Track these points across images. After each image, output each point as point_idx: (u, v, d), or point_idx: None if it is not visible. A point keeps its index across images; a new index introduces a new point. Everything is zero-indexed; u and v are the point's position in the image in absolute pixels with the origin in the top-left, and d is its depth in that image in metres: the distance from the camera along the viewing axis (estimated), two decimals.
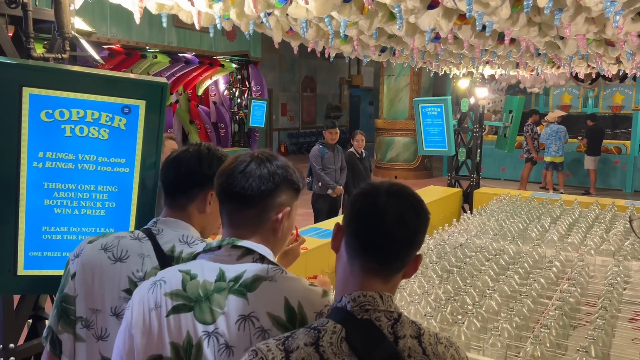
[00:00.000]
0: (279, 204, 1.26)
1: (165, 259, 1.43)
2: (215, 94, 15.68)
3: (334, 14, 2.67)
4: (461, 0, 2.32)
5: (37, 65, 1.81)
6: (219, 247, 1.24)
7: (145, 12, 2.85)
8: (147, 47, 11.71)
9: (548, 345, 2.49)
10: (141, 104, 1.82)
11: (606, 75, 6.87)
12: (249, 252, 1.23)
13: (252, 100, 13.12)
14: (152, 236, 1.48)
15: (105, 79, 1.78)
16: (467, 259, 3.68)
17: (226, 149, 14.88)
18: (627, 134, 12.93)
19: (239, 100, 15.17)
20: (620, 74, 7.23)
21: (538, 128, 11.28)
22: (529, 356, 2.36)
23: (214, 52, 13.31)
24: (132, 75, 1.97)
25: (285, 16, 3.18)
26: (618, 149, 12.41)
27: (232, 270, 1.20)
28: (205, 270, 1.21)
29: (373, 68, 21.01)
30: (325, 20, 2.62)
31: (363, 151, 6.74)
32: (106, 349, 1.43)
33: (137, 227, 1.97)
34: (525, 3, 2.09)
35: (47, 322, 1.90)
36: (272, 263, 1.23)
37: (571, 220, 5.35)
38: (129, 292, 1.40)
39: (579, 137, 11.62)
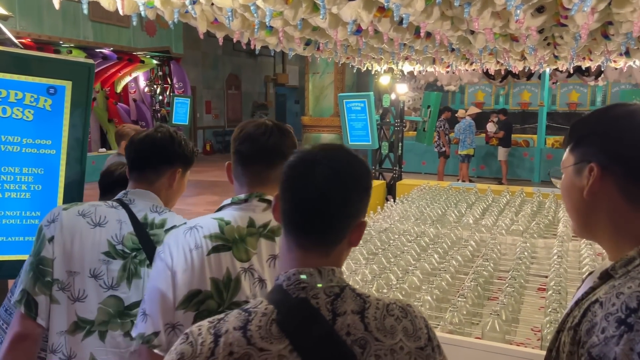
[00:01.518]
0: None
1: (139, 226, 1.55)
2: (135, 91, 15.20)
3: (260, 3, 2.74)
4: None
5: None
6: (246, 200, 1.39)
7: (60, 5, 2.73)
8: (61, 42, 11.17)
9: (465, 313, 2.70)
10: (67, 85, 1.80)
11: (514, 72, 7.40)
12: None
13: (175, 98, 12.84)
14: (125, 205, 1.59)
15: (29, 58, 1.75)
16: (391, 241, 3.87)
17: None
18: (534, 129, 13.93)
19: (160, 97, 14.80)
20: (526, 70, 7.79)
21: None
22: (447, 323, 2.55)
23: (133, 47, 12.91)
24: (55, 55, 1.94)
25: (211, 5, 3.21)
26: (527, 142, 13.35)
27: (260, 218, 1.38)
28: (237, 218, 1.36)
29: (298, 66, 21.18)
30: (252, 8, 2.69)
31: None
32: (83, 310, 1.51)
33: None
34: None
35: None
36: None
37: (485, 206, 5.74)
38: (108, 254, 1.53)
39: (492, 119, 12.40)
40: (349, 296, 0.97)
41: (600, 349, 0.83)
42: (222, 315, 0.96)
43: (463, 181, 11.63)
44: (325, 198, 0.95)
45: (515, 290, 3.00)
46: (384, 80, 7.99)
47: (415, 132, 12.55)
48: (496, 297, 3.22)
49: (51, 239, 1.53)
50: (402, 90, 7.97)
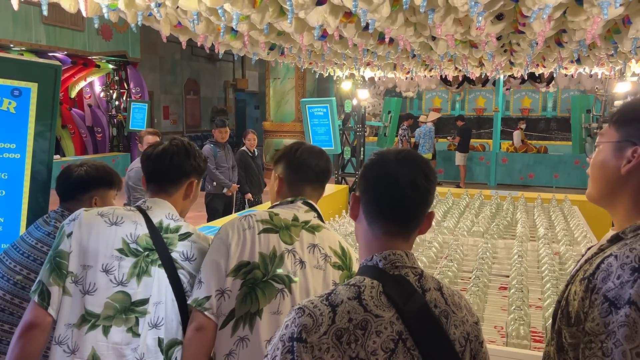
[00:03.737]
0: (326, 184, 1.82)
1: (154, 229, 1.65)
2: (90, 96, 14.76)
3: (227, 6, 2.73)
4: None
5: None
6: (292, 201, 1.70)
7: (9, 6, 2.60)
8: (12, 45, 10.75)
9: None
10: (33, 87, 1.74)
11: (471, 78, 7.62)
12: (312, 209, 1.71)
13: (132, 103, 12.58)
14: (142, 210, 1.69)
15: None
16: (357, 245, 3.90)
17: (104, 154, 14.08)
18: (489, 134, 14.36)
19: (117, 102, 14.44)
20: (483, 77, 8.03)
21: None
22: None
23: (88, 52, 12.55)
24: (21, 57, 1.88)
25: (176, 9, 3.18)
26: (482, 147, 13.73)
27: (302, 216, 1.66)
28: (284, 213, 1.65)
29: (258, 72, 21.10)
30: (219, 11, 2.68)
31: (255, 150, 6.82)
32: (92, 303, 1.57)
33: (30, 216, 1.88)
34: (404, 1, 2.32)
35: None
36: (322, 220, 1.72)
37: (446, 208, 5.88)
38: (122, 251, 1.60)
39: (449, 137, 12.68)
40: (428, 276, 1.15)
41: (616, 292, 0.96)
42: (328, 291, 1.09)
43: None
44: (412, 187, 1.11)
45: (479, 290, 3.08)
46: (346, 86, 8.07)
47: (376, 137, 12.73)
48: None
49: (70, 234, 1.61)
50: (364, 95, 8.06)
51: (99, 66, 13.47)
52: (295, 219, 1.65)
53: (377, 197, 1.14)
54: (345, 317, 1.01)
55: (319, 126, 7.73)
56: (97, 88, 14.71)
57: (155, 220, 1.67)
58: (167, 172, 1.72)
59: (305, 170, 1.73)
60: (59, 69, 1.77)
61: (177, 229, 1.68)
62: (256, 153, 6.81)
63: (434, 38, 3.96)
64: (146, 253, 1.62)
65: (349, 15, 3.09)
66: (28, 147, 1.79)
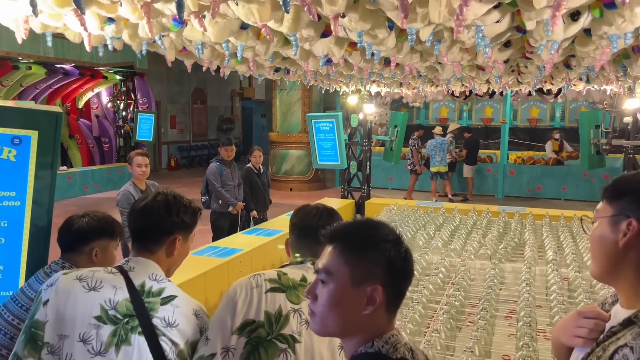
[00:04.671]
0: None
1: (136, 293, 1.56)
2: (97, 107, 14.83)
3: (231, 38, 2.71)
4: (352, 31, 2.48)
5: None
6: (302, 262, 1.73)
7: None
8: (20, 58, 10.83)
9: (439, 348, 2.71)
10: (33, 135, 1.73)
11: (478, 93, 7.57)
12: None
13: (139, 113, 12.60)
14: (124, 272, 1.61)
15: None
16: None
17: (111, 165, 14.11)
18: (497, 144, 14.26)
19: (124, 113, 14.49)
20: (490, 91, 7.98)
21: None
22: None
23: (95, 63, 12.62)
24: (21, 104, 1.86)
25: (180, 37, 3.16)
26: (490, 158, 13.63)
27: (311, 277, 1.58)
28: (292, 273, 1.66)
29: (264, 80, 21.13)
30: (223, 44, 2.66)
31: (261, 167, 6.78)
32: None
33: (30, 264, 1.86)
34: (409, 37, 2.28)
35: None
36: None
37: (453, 227, 5.81)
38: (100, 319, 1.52)
39: (456, 150, 12.56)
40: (415, 348, 1.16)
41: None
42: None
43: (438, 198, 11.73)
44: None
45: (487, 323, 3.03)
46: (352, 101, 8.04)
47: (383, 148, 12.69)
48: (468, 325, 3.25)
49: (46, 302, 1.53)
50: (370, 110, 8.03)
51: (106, 77, 13.53)
52: (304, 279, 1.65)
53: (400, 291, 1.18)
54: None
55: (325, 141, 7.70)
56: (105, 99, 14.79)
57: (137, 283, 1.60)
58: (147, 231, 1.66)
59: (306, 235, 1.76)
60: (59, 116, 1.76)
61: (159, 292, 1.60)
62: (262, 170, 6.78)
63: (440, 62, 3.93)
64: (126, 320, 1.54)
65: (354, 44, 3.06)
66: (28, 195, 1.77)
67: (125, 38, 2.75)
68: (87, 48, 2.58)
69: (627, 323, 1.07)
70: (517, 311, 3.38)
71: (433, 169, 11.65)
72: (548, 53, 2.93)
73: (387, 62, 3.95)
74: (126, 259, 1.67)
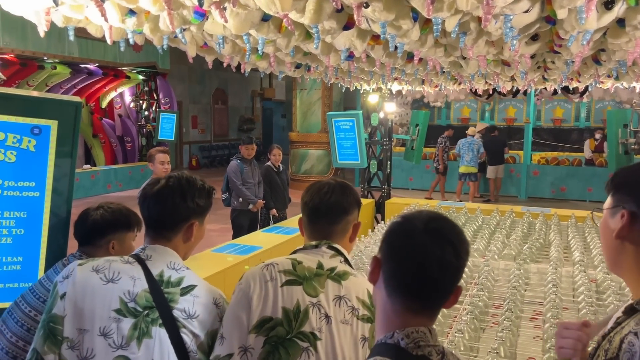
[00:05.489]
0: (352, 219, 1.68)
1: (154, 283, 1.52)
2: (120, 107, 15.01)
3: (252, 31, 2.68)
4: (375, 22, 2.42)
5: None
6: (316, 246, 1.61)
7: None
8: (45, 58, 11.00)
9: (462, 349, 2.63)
10: (53, 124, 1.71)
11: (501, 91, 7.45)
12: (338, 253, 1.61)
13: (161, 113, 12.71)
14: (141, 261, 1.56)
15: (13, 98, 1.65)
16: None
17: (133, 164, 14.26)
18: (520, 145, 14.02)
19: (146, 112, 14.64)
20: (514, 89, 7.84)
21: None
22: None
23: (119, 63, 12.77)
24: (41, 94, 1.85)
25: (201, 31, 3.15)
26: (513, 159, 13.39)
27: (327, 263, 1.57)
28: (307, 260, 1.56)
29: (285, 81, 21.17)
30: (244, 37, 2.62)
31: (280, 165, 6.77)
32: None
33: (49, 254, 1.85)
34: (434, 28, 2.22)
35: None
36: (349, 263, 1.64)
37: (475, 227, 5.70)
38: (119, 312, 1.48)
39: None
40: (449, 352, 1.07)
41: None
42: None
43: (477, 198, 11.52)
44: (440, 267, 1.02)
45: (512, 324, 2.94)
46: (373, 99, 7.97)
47: (403, 148, 12.57)
48: (492, 326, 3.17)
49: (63, 296, 1.49)
50: (390, 108, 7.95)
51: (129, 77, 13.68)
52: (320, 266, 1.56)
53: (399, 270, 1.05)
54: None
55: (346, 140, 7.64)
56: (127, 98, 14.95)
57: (155, 272, 1.55)
58: (163, 218, 1.60)
59: (318, 215, 1.65)
60: (79, 105, 1.74)
61: (179, 282, 1.56)
62: (281, 168, 6.77)
63: (464, 57, 3.84)
64: (146, 312, 1.50)
65: (376, 38, 3.00)
66: (47, 185, 1.76)
67: (147, 32, 2.74)
68: (108, 41, 2.57)
69: (630, 311, 1.07)
70: (542, 313, 3.28)
71: (461, 169, 11.40)
72: (579, 45, 2.84)
73: (409, 57, 3.88)
74: (142, 246, 1.61)
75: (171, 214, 1.58)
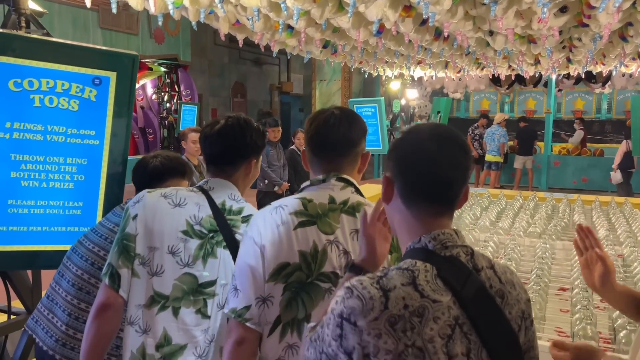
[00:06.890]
0: (360, 150, 1.56)
1: (218, 211, 1.62)
2: (142, 99, 15.23)
3: (289, 1, 2.77)
4: None
5: (4, 33, 1.76)
6: (324, 180, 1.49)
7: (70, 12, 2.76)
8: None
9: None
10: (112, 76, 1.82)
11: (523, 77, 7.44)
12: (348, 183, 1.50)
13: (183, 105, 12.87)
14: (205, 191, 1.66)
15: (76, 48, 1.76)
16: None
17: None
18: (541, 136, 13.94)
19: (168, 104, 14.84)
20: (536, 76, 7.82)
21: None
22: None
23: (141, 55, 12.96)
24: (103, 47, 1.96)
25: (236, 7, 3.25)
26: (534, 150, 13.32)
27: (339, 196, 1.46)
28: (317, 196, 1.46)
29: (302, 75, 21.25)
30: (282, 5, 2.72)
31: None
32: (160, 284, 1.58)
33: (106, 201, 1.96)
34: None
35: None
36: (361, 193, 1.53)
37: (499, 209, 5.74)
38: (186, 233, 1.59)
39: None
40: (479, 253, 1.07)
41: None
42: (380, 273, 1.02)
43: (496, 187, 11.50)
44: (453, 167, 1.06)
45: (541, 289, 2.99)
46: (394, 86, 8.03)
47: None
48: None
49: (135, 217, 1.61)
50: (413, 95, 8.01)
51: (151, 69, 13.89)
52: (332, 200, 1.46)
53: (415, 180, 1.08)
54: (399, 303, 0.96)
55: (368, 126, 7.71)
56: (149, 90, 15.17)
57: (217, 201, 1.65)
58: (223, 155, 1.69)
59: (325, 142, 1.51)
60: (136, 58, 1.85)
61: (239, 211, 1.66)
62: None
63: (491, 33, 3.90)
64: (211, 235, 1.61)
65: (408, 9, 3.07)
66: (106, 135, 1.87)
67: (186, 2, 2.84)
68: (152, 10, 2.68)
69: None
70: (569, 287, 3.32)
71: (487, 158, 11.44)
72: (609, 15, 2.88)
73: (437, 34, 3.94)
74: (205, 180, 1.72)
75: (232, 149, 1.68)
